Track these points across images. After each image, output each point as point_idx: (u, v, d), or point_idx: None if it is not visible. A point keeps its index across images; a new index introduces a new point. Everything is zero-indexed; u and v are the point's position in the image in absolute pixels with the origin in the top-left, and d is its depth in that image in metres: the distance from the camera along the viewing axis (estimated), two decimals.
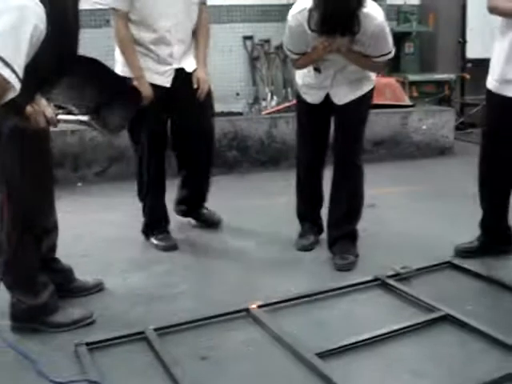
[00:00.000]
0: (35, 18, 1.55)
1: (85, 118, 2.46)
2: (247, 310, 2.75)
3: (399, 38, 7.49)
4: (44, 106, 2.35)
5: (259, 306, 2.77)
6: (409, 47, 7.46)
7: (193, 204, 4.01)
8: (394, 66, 7.56)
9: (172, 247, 3.62)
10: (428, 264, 3.24)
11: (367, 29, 2.97)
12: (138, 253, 3.60)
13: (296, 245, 3.59)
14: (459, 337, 2.54)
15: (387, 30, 3.10)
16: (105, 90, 3.05)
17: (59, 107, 2.44)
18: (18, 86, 1.54)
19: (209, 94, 3.68)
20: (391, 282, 3.03)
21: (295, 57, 3.26)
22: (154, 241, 3.66)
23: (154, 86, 3.44)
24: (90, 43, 6.15)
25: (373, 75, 3.36)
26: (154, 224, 3.72)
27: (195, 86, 3.57)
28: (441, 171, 5.60)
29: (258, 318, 2.68)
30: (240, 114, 6.65)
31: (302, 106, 3.46)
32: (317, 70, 3.26)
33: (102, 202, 4.64)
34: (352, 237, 3.42)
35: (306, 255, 3.50)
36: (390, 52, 3.17)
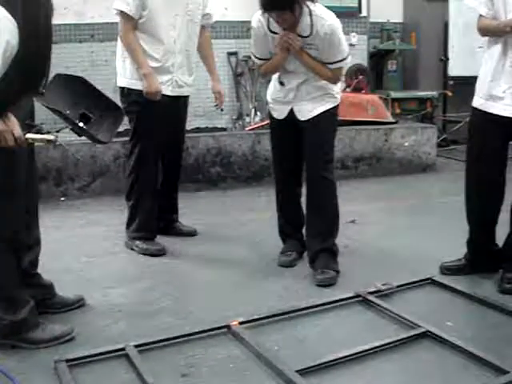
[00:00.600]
0: (7, 34, 1.53)
1: (51, 136, 2.41)
2: (228, 326, 2.74)
3: (382, 56, 7.59)
4: (13, 124, 2.25)
5: (240, 323, 2.76)
6: (392, 65, 7.54)
7: (168, 218, 4.09)
8: (377, 83, 7.65)
9: (161, 250, 3.69)
10: (409, 280, 3.25)
11: (319, 30, 3.13)
12: (119, 268, 3.59)
13: (278, 261, 3.59)
14: (439, 353, 2.55)
15: (340, 34, 3.21)
16: (89, 104, 3.06)
17: (28, 125, 2.39)
18: None
19: (186, 109, 3.98)
20: (372, 298, 3.04)
21: (260, 62, 3.42)
22: (143, 245, 3.69)
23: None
24: (74, 57, 6.23)
25: (337, 93, 3.42)
26: (145, 225, 3.75)
27: (216, 102, 4.03)
28: (423, 188, 5.63)
29: (238, 334, 2.67)
30: (224, 129, 6.70)
31: (273, 122, 3.57)
32: (281, 83, 3.38)
33: (85, 216, 4.62)
34: (332, 252, 3.42)
35: (288, 271, 3.50)
36: (344, 59, 3.27)
